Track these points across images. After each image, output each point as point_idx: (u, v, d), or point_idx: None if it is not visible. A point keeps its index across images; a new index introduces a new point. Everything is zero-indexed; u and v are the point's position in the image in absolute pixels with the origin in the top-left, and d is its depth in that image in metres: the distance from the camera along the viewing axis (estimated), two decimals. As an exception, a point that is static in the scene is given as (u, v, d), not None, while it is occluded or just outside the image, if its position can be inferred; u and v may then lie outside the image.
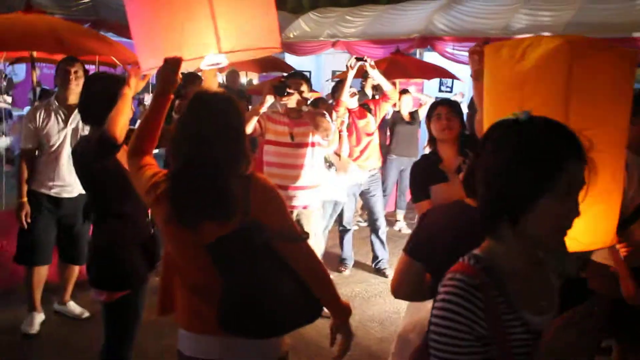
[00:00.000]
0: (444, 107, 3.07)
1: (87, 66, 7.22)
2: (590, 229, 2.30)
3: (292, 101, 4.04)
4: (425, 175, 3.04)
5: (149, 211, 2.86)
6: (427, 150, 3.25)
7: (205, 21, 2.07)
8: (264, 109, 3.90)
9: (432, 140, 3.15)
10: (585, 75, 2.19)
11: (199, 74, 7.30)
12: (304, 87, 4.19)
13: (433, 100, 7.27)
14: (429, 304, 2.00)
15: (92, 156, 2.70)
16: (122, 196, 2.75)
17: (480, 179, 1.29)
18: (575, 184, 1.21)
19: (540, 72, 2.21)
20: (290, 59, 11.26)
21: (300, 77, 4.29)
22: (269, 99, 3.88)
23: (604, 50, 2.38)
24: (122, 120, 2.59)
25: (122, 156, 2.75)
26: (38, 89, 5.44)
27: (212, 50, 2.12)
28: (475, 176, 1.31)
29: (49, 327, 4.11)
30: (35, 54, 5.17)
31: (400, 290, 1.92)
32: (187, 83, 6.12)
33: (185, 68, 2.14)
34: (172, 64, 2.06)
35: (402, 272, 1.88)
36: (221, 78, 7.95)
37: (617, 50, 2.44)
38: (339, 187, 4.97)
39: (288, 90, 3.94)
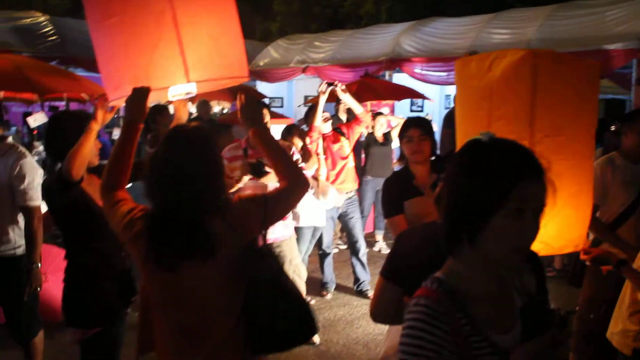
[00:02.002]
0: (416, 130, 3.06)
1: (56, 103, 7.22)
2: (561, 233, 2.35)
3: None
4: (398, 190, 3.05)
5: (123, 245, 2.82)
6: (398, 167, 3.27)
7: (172, 51, 2.07)
8: (238, 186, 3.74)
9: (403, 158, 3.16)
10: (550, 85, 2.27)
11: (166, 104, 7.30)
12: (266, 115, 3.93)
13: (403, 120, 7.32)
14: None
15: (54, 192, 2.67)
16: (91, 231, 2.72)
17: (443, 198, 1.31)
18: (531, 203, 1.21)
19: (506, 82, 2.29)
20: (262, 86, 11.33)
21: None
22: (245, 179, 3.75)
23: (568, 62, 2.48)
24: (82, 155, 2.53)
25: (94, 191, 2.72)
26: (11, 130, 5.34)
27: (181, 80, 2.11)
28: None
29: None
30: (2, 93, 5.11)
31: (379, 313, 1.91)
32: (155, 114, 6.10)
33: (155, 100, 2.12)
34: (140, 93, 2.03)
35: (380, 295, 1.87)
36: (193, 108, 7.93)
37: (581, 62, 2.53)
38: (317, 212, 4.97)
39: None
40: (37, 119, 5.10)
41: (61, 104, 8.20)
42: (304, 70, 10.68)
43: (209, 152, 1.92)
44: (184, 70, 2.08)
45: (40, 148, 5.71)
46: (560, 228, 2.32)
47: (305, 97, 12.02)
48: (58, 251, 4.83)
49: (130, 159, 2.05)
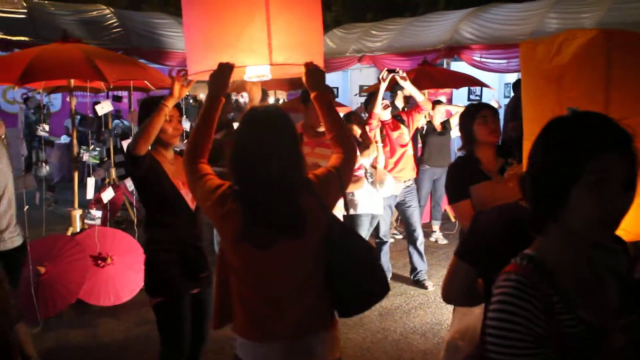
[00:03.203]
0: (490, 111, 3.04)
1: (120, 92, 7.45)
2: (638, 218, 2.25)
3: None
4: (465, 175, 3.01)
5: (197, 222, 2.94)
6: (460, 153, 3.22)
7: (261, 31, 2.11)
8: None
9: (468, 143, 3.11)
10: (623, 64, 2.18)
11: (228, 93, 7.42)
12: None
13: (463, 109, 7.19)
14: (477, 309, 1.97)
15: (126, 165, 2.86)
16: (161, 206, 2.88)
17: (526, 177, 1.29)
18: (613, 173, 1.16)
19: (578, 63, 2.21)
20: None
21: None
22: None
23: None
24: (146, 131, 2.68)
25: (176, 170, 2.89)
26: (77, 117, 5.56)
27: (264, 61, 2.15)
28: (528, 177, 1.30)
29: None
30: (72, 82, 5.31)
31: (450, 293, 1.89)
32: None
33: (234, 78, 2.18)
34: (225, 69, 2.11)
35: (453, 275, 1.84)
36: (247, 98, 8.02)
37: None
38: (375, 200, 4.95)
39: None
40: (104, 107, 5.28)
41: (124, 94, 8.48)
42: (360, 60, 10.62)
43: (291, 130, 2.00)
44: (268, 51, 2.11)
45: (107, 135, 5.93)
46: (638, 212, 2.23)
47: (361, 87, 11.99)
48: (122, 235, 5.02)
49: (212, 132, 2.12)
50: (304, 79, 2.20)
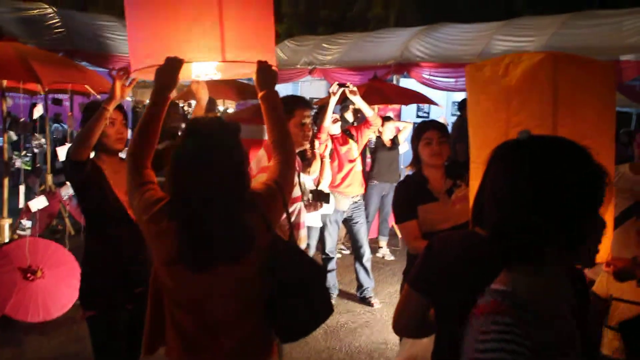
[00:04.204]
0: (435, 132, 2.98)
1: (60, 95, 7.10)
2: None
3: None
4: (412, 195, 2.95)
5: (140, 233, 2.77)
6: (409, 172, 3.17)
7: (212, 26, 1.98)
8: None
9: (416, 162, 3.06)
10: (570, 88, 2.17)
11: (176, 101, 7.20)
12: (309, 117, 3.35)
13: (411, 125, 7.26)
14: (425, 338, 1.88)
15: (67, 171, 2.75)
16: (100, 216, 2.74)
17: (489, 206, 1.20)
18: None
19: (526, 86, 2.19)
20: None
21: (305, 106, 3.38)
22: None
23: (585, 63, 2.37)
24: (87, 135, 2.54)
25: (119, 178, 2.70)
26: (8, 119, 5.24)
27: (216, 57, 2.03)
28: (487, 203, 1.23)
29: None
30: (5, 82, 5.00)
31: (402, 325, 1.79)
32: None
33: (181, 77, 2.04)
34: (173, 63, 1.97)
35: (405, 306, 1.74)
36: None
37: (597, 63, 2.42)
38: (312, 213, 4.84)
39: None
40: (38, 111, 5.01)
41: (65, 97, 8.11)
42: (310, 72, 10.58)
43: (235, 143, 1.85)
44: (220, 47, 1.99)
45: (42, 140, 5.63)
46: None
47: (311, 99, 11.94)
48: (56, 247, 4.74)
49: (156, 133, 1.97)
50: (254, 78, 2.09)
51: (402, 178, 7.18)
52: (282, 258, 1.86)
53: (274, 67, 2.12)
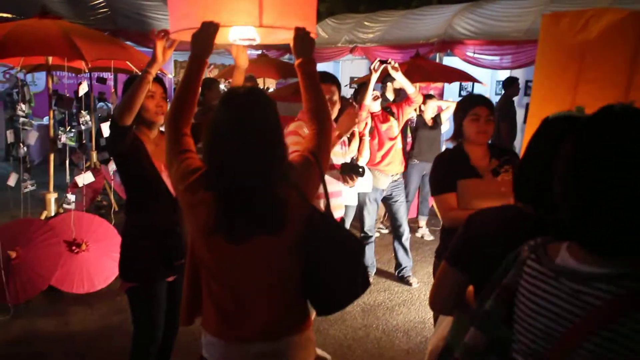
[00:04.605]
0: (484, 109, 2.85)
1: (104, 74, 7.22)
2: None
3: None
4: (453, 167, 2.87)
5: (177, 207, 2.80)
6: (448, 145, 3.09)
7: None
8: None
9: (459, 136, 2.97)
10: None
11: (217, 80, 7.23)
12: (335, 93, 3.61)
13: (454, 104, 7.09)
14: None
15: (109, 141, 2.73)
16: (140, 188, 2.77)
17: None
18: None
19: (604, 42, 2.09)
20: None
21: (331, 82, 3.62)
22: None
23: None
24: (131, 99, 2.51)
25: (159, 152, 2.74)
26: (54, 97, 5.36)
27: (253, 22, 1.99)
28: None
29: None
30: (50, 60, 5.10)
31: (439, 302, 1.74)
32: (204, 89, 6.04)
33: (219, 40, 2.02)
34: (209, 28, 1.95)
35: (442, 282, 1.68)
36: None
37: None
38: (348, 190, 4.79)
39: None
40: (83, 89, 5.10)
41: (109, 76, 8.24)
42: (351, 51, 10.46)
43: (273, 114, 1.82)
44: (258, 11, 1.95)
45: (87, 117, 5.75)
46: None
47: (352, 78, 11.83)
48: (100, 221, 4.85)
49: (195, 96, 1.97)
50: (292, 45, 2.05)
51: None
52: (318, 230, 1.84)
53: (312, 35, 2.07)
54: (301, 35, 2.03)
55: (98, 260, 4.71)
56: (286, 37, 2.12)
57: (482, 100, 2.94)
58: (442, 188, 2.86)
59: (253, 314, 1.85)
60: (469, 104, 2.91)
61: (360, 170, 3.72)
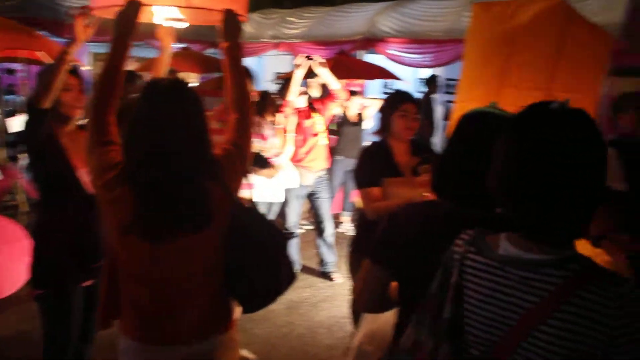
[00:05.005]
0: (412, 106, 2.96)
1: (13, 65, 6.81)
2: None
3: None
4: (378, 162, 2.93)
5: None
6: (376, 138, 3.14)
7: None
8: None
9: (384, 130, 3.02)
10: (575, 39, 2.19)
11: (138, 73, 6.96)
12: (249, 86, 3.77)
13: (379, 102, 7.21)
14: (386, 313, 1.84)
15: (26, 130, 2.54)
16: (54, 185, 2.59)
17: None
18: None
19: (533, 28, 2.20)
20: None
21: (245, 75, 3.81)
22: None
23: (590, 25, 2.39)
24: (50, 80, 2.38)
25: (76, 149, 2.57)
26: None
27: (179, 1, 1.93)
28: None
29: None
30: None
31: (364, 301, 1.74)
32: (125, 82, 5.80)
33: (144, 19, 1.93)
34: (133, 6, 1.87)
35: (368, 281, 1.68)
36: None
37: (600, 29, 2.45)
38: (273, 188, 4.78)
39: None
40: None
41: (18, 67, 7.78)
42: (276, 46, 10.41)
43: (198, 106, 1.75)
44: None
45: None
46: None
47: (276, 74, 11.78)
48: (6, 222, 4.56)
49: (120, 80, 1.86)
50: (220, 27, 1.98)
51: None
52: (243, 226, 1.80)
53: (242, 18, 2.01)
54: (230, 17, 1.98)
55: (6, 264, 4.42)
56: (214, 18, 2.05)
57: (410, 97, 3.04)
58: (367, 181, 2.91)
59: (176, 315, 1.78)
60: (398, 100, 2.99)
61: (264, 161, 3.69)
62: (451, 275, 1.27)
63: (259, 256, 1.84)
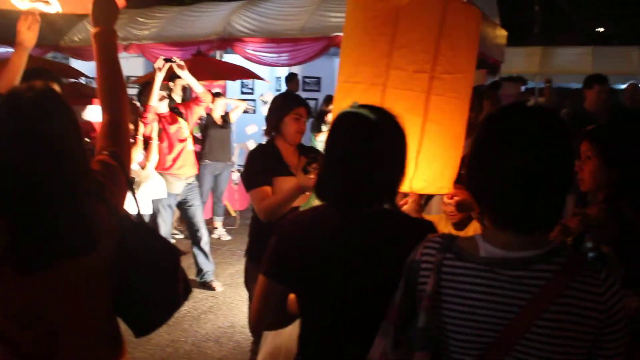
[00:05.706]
0: (305, 110, 2.99)
1: None
2: (443, 173, 2.34)
3: None
4: (268, 163, 2.92)
5: None
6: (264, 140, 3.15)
7: None
8: None
9: (273, 130, 3.01)
10: (455, 21, 2.28)
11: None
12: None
13: (244, 104, 7.16)
14: (289, 327, 1.79)
15: None
16: None
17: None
18: None
19: (416, 7, 2.22)
20: (77, 64, 10.18)
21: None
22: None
23: (470, 5, 2.49)
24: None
25: None
26: None
27: None
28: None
29: None
30: None
31: (264, 319, 1.65)
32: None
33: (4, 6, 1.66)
34: None
35: (266, 300, 1.61)
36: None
37: (470, 5, 2.57)
38: (139, 199, 4.57)
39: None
40: None
41: None
42: (126, 48, 9.84)
43: (68, 116, 1.53)
44: None
45: None
46: (443, 167, 2.31)
47: (128, 78, 11.17)
48: None
49: None
50: (90, 10, 1.76)
51: (234, 157, 7.08)
52: (134, 243, 1.63)
53: (121, 1, 1.82)
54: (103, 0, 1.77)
55: None
56: (89, 7, 1.84)
57: (302, 101, 3.08)
58: (258, 182, 2.86)
59: (58, 352, 1.56)
60: (292, 103, 3.00)
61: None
62: (419, 284, 1.25)
63: (154, 274, 1.68)
